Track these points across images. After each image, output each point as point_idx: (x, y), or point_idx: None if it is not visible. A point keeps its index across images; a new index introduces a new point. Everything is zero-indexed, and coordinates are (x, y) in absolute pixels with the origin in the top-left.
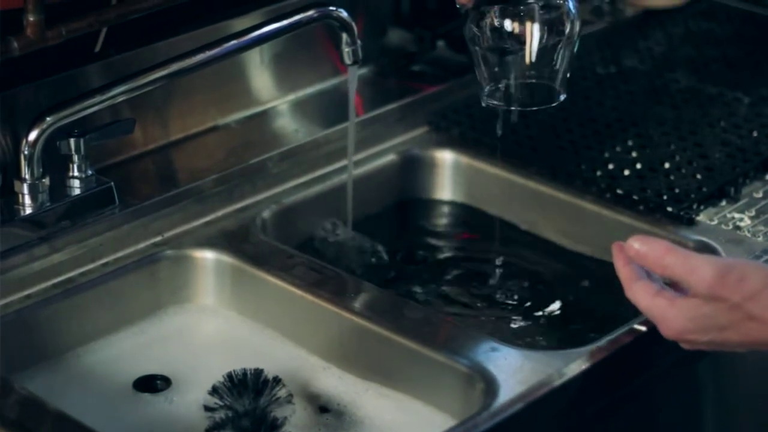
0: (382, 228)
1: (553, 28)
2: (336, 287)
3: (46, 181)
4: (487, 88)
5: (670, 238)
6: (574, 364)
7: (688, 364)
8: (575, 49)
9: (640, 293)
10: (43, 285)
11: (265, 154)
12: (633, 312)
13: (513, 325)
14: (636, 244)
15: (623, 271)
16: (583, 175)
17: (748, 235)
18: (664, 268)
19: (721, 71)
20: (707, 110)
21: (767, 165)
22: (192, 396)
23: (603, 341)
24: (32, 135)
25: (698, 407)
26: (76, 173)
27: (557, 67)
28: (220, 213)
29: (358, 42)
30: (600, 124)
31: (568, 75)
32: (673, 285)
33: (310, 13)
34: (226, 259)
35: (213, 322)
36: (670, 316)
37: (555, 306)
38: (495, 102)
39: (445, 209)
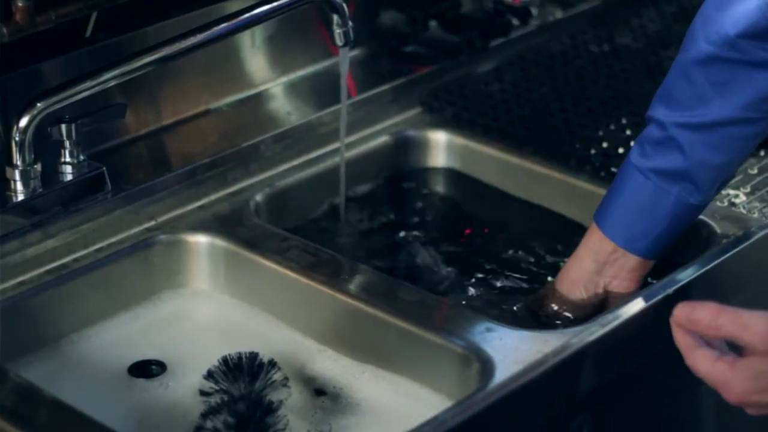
0: (377, 210)
1: None
2: (331, 270)
3: (38, 167)
4: None
5: None
6: (570, 343)
7: None
8: None
9: (699, 361)
10: (37, 271)
11: (258, 137)
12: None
13: (508, 306)
14: (682, 313)
15: (682, 341)
16: (578, 153)
17: (744, 211)
18: (717, 330)
19: None
20: None
21: (763, 142)
22: (187, 381)
23: (599, 320)
24: (23, 121)
25: (696, 387)
26: (68, 159)
27: None
28: (213, 197)
29: (350, 23)
30: (594, 102)
31: None
32: (737, 349)
33: None
34: (220, 243)
35: (207, 306)
36: (731, 379)
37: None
38: None
39: (439, 189)
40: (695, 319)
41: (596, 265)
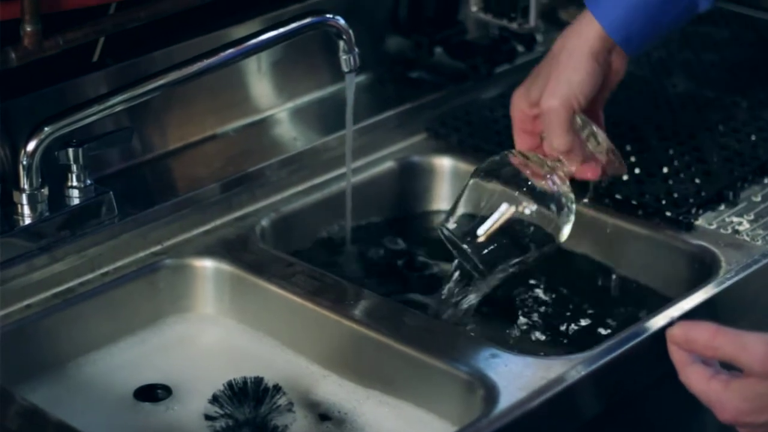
0: (382, 235)
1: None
2: (336, 295)
3: (45, 191)
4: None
5: (668, 243)
6: (575, 370)
7: None
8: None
9: (693, 378)
10: (43, 295)
11: (264, 162)
12: (631, 316)
13: (512, 331)
14: (679, 331)
15: (676, 356)
16: (580, 180)
17: (747, 239)
18: (715, 350)
19: (720, 75)
20: (705, 115)
21: (765, 169)
22: (193, 405)
23: (603, 347)
24: (31, 145)
25: (700, 414)
26: (75, 183)
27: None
28: (219, 222)
29: (356, 49)
30: None
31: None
32: (730, 369)
33: (307, 20)
34: (226, 267)
35: (213, 330)
36: (725, 399)
37: (554, 311)
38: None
39: (444, 212)
40: (692, 339)
41: (605, 43)
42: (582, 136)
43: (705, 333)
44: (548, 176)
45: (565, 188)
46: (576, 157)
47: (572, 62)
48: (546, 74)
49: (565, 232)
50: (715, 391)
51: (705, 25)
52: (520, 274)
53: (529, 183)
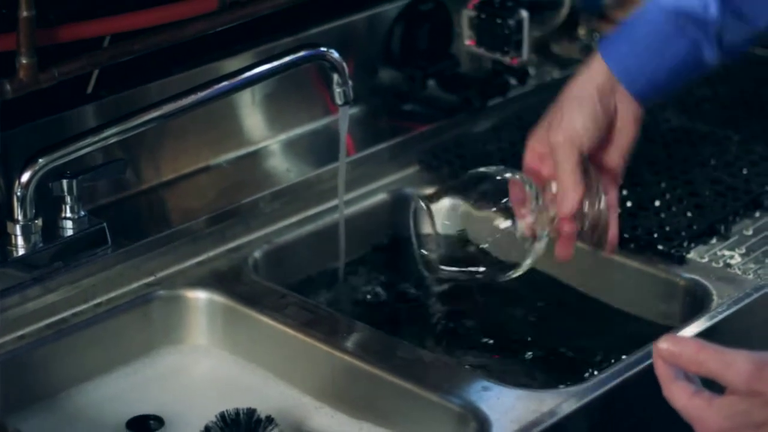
0: (375, 267)
1: None
2: (328, 327)
3: (39, 222)
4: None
5: (660, 276)
6: (567, 403)
7: None
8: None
9: (677, 394)
10: (37, 326)
11: (257, 194)
12: (624, 349)
13: (504, 364)
14: (665, 345)
15: (660, 371)
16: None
17: (739, 272)
18: (699, 366)
19: (712, 110)
20: (698, 149)
21: (757, 203)
22: None
23: (595, 380)
24: (25, 176)
25: None
26: (68, 214)
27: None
28: (212, 253)
29: (349, 82)
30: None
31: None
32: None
33: (301, 53)
34: (219, 299)
35: (206, 362)
36: (707, 416)
37: (546, 343)
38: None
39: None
40: (677, 353)
41: (611, 84)
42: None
43: (691, 347)
44: (534, 211)
45: (544, 226)
46: (570, 203)
47: (576, 102)
48: (555, 114)
49: (523, 266)
50: (698, 408)
51: None
52: (512, 304)
53: (509, 206)
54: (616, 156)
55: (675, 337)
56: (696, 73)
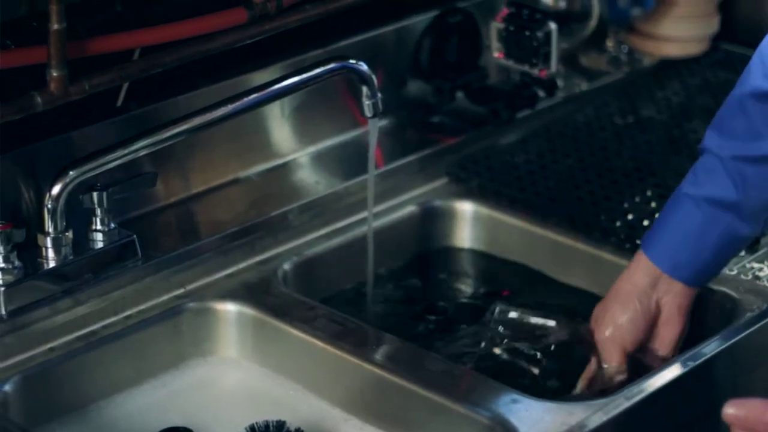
0: (403, 279)
1: None
2: (357, 339)
3: (69, 234)
4: None
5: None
6: (596, 415)
7: (710, 416)
8: None
9: None
10: (67, 338)
11: (286, 206)
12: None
13: (533, 376)
14: (731, 410)
15: None
16: (603, 225)
17: (767, 285)
18: (766, 425)
19: None
20: None
21: None
22: None
23: (624, 392)
24: (55, 189)
25: None
26: (98, 226)
27: None
28: (241, 265)
29: (378, 95)
30: (618, 174)
31: None
32: None
33: (330, 66)
34: (248, 311)
35: (235, 374)
36: None
37: (575, 356)
38: None
39: (466, 260)
40: (743, 416)
41: (650, 279)
42: None
43: (756, 409)
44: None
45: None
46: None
47: (618, 302)
48: (600, 310)
49: None
50: None
51: (723, 70)
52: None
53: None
54: (663, 350)
55: (739, 402)
56: (739, 247)
